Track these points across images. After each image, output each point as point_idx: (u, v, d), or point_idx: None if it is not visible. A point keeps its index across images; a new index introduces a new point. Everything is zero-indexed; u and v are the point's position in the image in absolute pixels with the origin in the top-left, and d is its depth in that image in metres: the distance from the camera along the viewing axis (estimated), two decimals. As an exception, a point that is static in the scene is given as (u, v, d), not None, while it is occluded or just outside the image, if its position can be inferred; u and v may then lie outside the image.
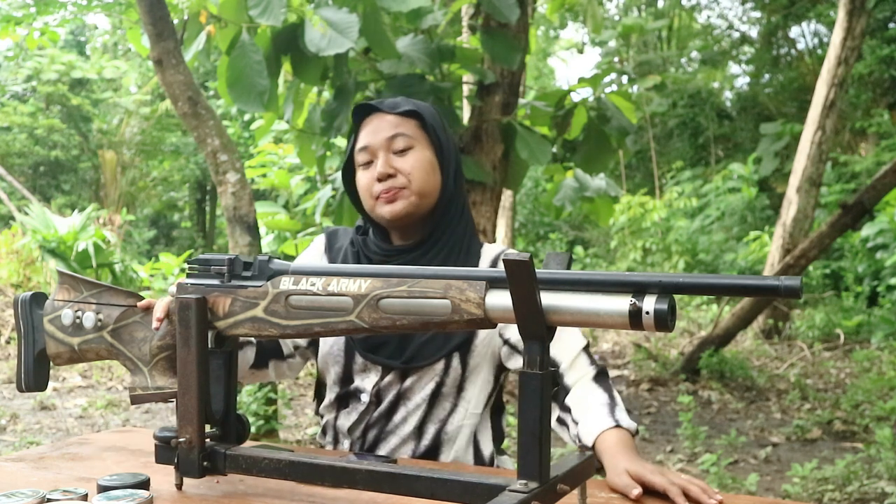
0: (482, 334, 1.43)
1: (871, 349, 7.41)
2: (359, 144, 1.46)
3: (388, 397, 1.43)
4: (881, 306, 9.01)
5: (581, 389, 1.34)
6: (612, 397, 1.32)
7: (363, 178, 1.45)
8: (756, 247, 10.44)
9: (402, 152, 1.43)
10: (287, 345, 1.54)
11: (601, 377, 1.36)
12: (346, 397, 1.48)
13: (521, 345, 1.40)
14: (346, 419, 1.48)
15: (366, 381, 1.45)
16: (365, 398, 1.45)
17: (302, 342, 1.54)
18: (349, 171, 1.50)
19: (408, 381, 1.43)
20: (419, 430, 1.43)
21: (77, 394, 5.77)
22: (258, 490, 1.15)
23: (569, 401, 1.33)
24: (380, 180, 1.42)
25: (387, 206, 1.42)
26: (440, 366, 1.42)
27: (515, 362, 1.43)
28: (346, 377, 1.47)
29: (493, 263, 1.47)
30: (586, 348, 1.40)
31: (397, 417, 1.44)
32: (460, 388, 1.44)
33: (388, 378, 1.43)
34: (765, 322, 8.22)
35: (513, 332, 1.42)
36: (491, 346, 1.44)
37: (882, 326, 8.03)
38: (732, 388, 5.98)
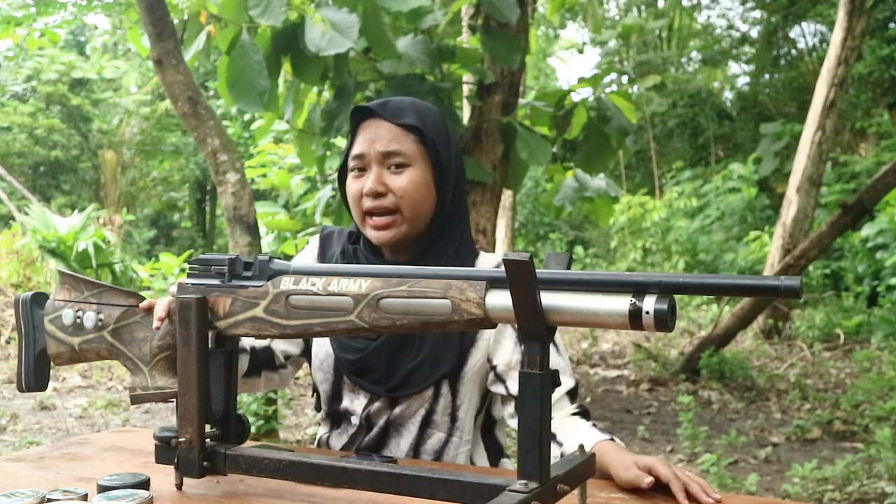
0: (472, 362, 1.39)
1: (871, 349, 7.40)
2: (354, 150, 1.39)
3: (379, 423, 1.41)
4: (881, 306, 9.01)
5: (563, 420, 1.32)
6: (596, 425, 1.31)
7: (353, 185, 1.39)
8: (756, 247, 10.45)
9: (397, 169, 1.36)
10: (279, 356, 1.51)
11: (583, 415, 1.35)
12: (337, 417, 1.46)
13: (506, 374, 1.37)
14: (338, 440, 1.46)
15: (355, 403, 1.43)
16: (355, 420, 1.43)
17: (295, 350, 1.51)
18: (344, 173, 1.44)
19: (397, 409, 1.40)
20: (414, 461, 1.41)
21: (77, 394, 5.77)
22: (258, 490, 1.15)
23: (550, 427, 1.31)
24: (368, 196, 1.36)
25: (375, 231, 1.37)
26: (429, 393, 1.38)
27: (497, 388, 1.39)
28: (336, 395, 1.45)
29: None
30: (572, 392, 1.36)
31: (391, 445, 1.42)
32: (454, 418, 1.40)
33: (377, 404, 1.40)
34: (765, 322, 8.22)
35: (500, 360, 1.38)
36: (480, 372, 1.40)
37: (882, 326, 8.03)
38: (732, 388, 5.98)
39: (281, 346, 1.52)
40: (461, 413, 1.40)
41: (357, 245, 1.46)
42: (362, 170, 1.38)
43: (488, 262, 1.45)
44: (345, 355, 1.41)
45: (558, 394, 1.35)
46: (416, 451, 1.41)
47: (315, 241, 1.54)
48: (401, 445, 1.41)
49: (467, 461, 1.43)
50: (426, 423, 1.40)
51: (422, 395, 1.38)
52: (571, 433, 1.29)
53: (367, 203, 1.37)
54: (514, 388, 1.37)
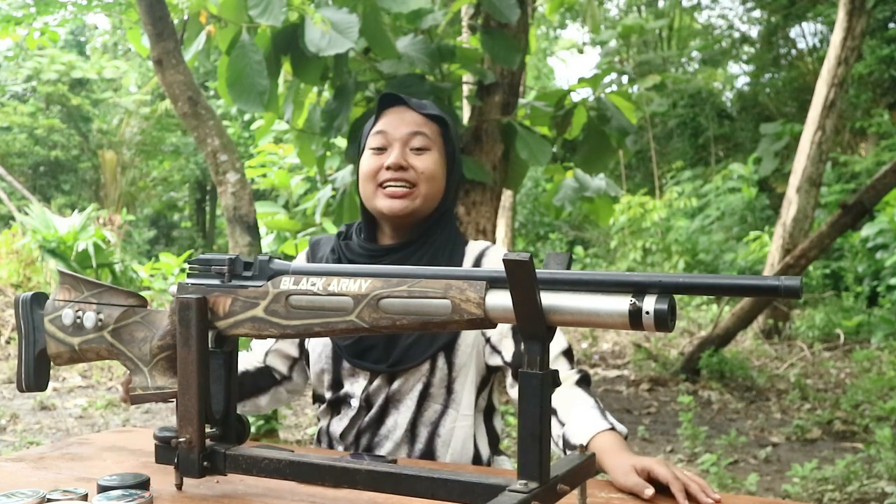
0: (466, 333, 1.43)
1: (871, 349, 7.40)
2: (377, 128, 1.45)
3: (378, 401, 1.43)
4: (881, 306, 9.01)
5: (565, 392, 1.33)
6: (598, 403, 1.31)
7: (370, 161, 1.44)
8: (756, 247, 10.44)
9: (419, 151, 1.42)
10: (279, 370, 1.54)
11: (583, 383, 1.35)
12: (337, 403, 1.48)
13: (500, 344, 1.41)
14: (338, 425, 1.48)
15: (355, 386, 1.45)
16: (355, 403, 1.45)
17: (294, 352, 1.54)
18: (359, 154, 1.49)
19: (395, 384, 1.43)
20: (411, 434, 1.43)
21: (77, 394, 5.77)
22: (258, 490, 1.15)
23: (552, 402, 1.32)
24: (390, 169, 1.41)
25: (388, 200, 1.41)
26: (426, 366, 1.42)
27: (494, 359, 1.43)
28: (336, 383, 1.48)
29: (477, 260, 1.46)
30: (567, 352, 1.39)
31: (389, 421, 1.44)
32: (449, 390, 1.43)
33: (376, 382, 1.43)
34: (765, 322, 8.22)
35: (493, 331, 1.42)
36: (475, 345, 1.44)
37: (882, 326, 8.03)
38: (732, 388, 5.98)
39: (282, 351, 1.54)
40: (457, 386, 1.43)
41: (348, 241, 1.50)
42: (382, 149, 1.43)
43: (476, 249, 1.49)
44: (343, 341, 1.44)
45: (554, 353, 1.37)
46: (413, 424, 1.43)
47: (305, 250, 1.58)
48: (398, 421, 1.43)
49: (468, 438, 1.45)
50: (423, 397, 1.43)
51: (419, 369, 1.42)
52: (573, 413, 1.29)
53: (386, 175, 1.41)
54: (508, 355, 1.41)
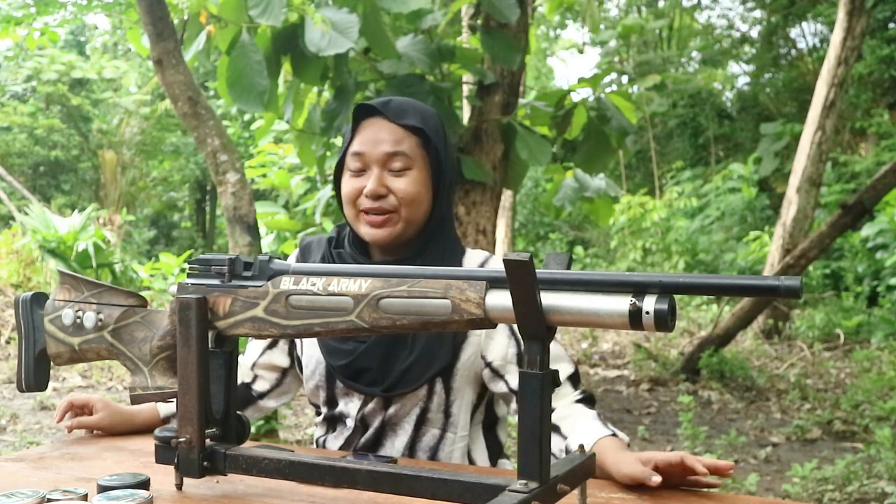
0: (464, 358, 1.39)
1: (871, 349, 7.40)
2: (353, 147, 1.38)
3: (374, 424, 1.41)
4: (881, 306, 9.01)
5: (566, 408, 1.32)
6: (600, 415, 1.31)
7: (350, 184, 1.38)
8: (756, 247, 10.44)
9: (398, 172, 1.36)
10: (263, 384, 1.52)
11: (587, 402, 1.34)
12: (332, 420, 1.46)
13: (503, 369, 1.37)
14: (334, 442, 1.46)
15: (349, 406, 1.43)
16: (350, 423, 1.43)
17: (283, 362, 1.52)
18: (340, 167, 1.42)
19: (392, 409, 1.39)
20: (409, 458, 1.41)
21: (77, 394, 5.76)
22: (258, 490, 1.15)
23: (554, 418, 1.30)
24: (368, 197, 1.36)
25: (370, 229, 1.37)
26: (423, 391, 1.38)
27: (497, 386, 1.39)
28: (331, 400, 1.45)
29: None
30: (573, 377, 1.36)
31: (386, 444, 1.42)
32: (447, 414, 1.40)
33: (371, 405, 1.40)
34: (765, 322, 8.22)
35: (494, 355, 1.38)
36: (473, 368, 1.40)
37: (882, 326, 8.03)
38: (732, 388, 5.98)
39: (270, 363, 1.52)
40: (454, 409, 1.40)
41: (340, 249, 1.46)
42: (361, 170, 1.38)
43: (475, 260, 1.45)
44: (336, 361, 1.41)
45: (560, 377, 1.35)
46: (411, 449, 1.41)
47: (296, 252, 1.54)
48: (396, 445, 1.41)
49: (463, 457, 1.42)
50: (421, 422, 1.40)
51: (416, 394, 1.38)
52: (575, 425, 1.28)
53: (366, 203, 1.37)
54: (514, 382, 1.36)
